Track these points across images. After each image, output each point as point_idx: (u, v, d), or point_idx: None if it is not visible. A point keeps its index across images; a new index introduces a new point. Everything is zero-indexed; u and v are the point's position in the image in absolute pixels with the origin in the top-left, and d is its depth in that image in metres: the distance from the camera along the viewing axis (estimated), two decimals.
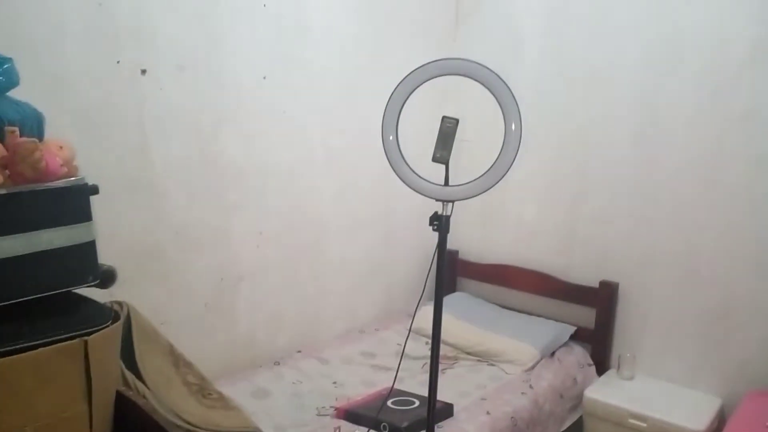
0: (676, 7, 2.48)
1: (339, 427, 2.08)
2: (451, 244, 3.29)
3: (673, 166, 2.56)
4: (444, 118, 1.50)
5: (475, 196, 1.49)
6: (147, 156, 2.00)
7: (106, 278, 1.31)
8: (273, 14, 2.30)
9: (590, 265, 2.85)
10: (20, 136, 1.15)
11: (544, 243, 3.02)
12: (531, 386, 2.47)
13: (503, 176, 1.46)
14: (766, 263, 2.38)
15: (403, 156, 1.53)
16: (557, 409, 2.53)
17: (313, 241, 2.67)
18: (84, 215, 1.20)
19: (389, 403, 2.15)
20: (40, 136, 1.24)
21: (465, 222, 3.17)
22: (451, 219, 1.59)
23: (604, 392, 2.57)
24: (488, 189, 1.47)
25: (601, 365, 2.80)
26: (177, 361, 1.82)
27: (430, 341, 1.88)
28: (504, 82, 1.43)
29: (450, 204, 1.54)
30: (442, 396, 2.12)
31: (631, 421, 2.43)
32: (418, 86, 1.46)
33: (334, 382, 2.43)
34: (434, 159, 1.53)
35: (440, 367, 2.62)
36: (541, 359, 2.67)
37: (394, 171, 1.57)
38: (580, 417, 2.64)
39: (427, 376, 1.77)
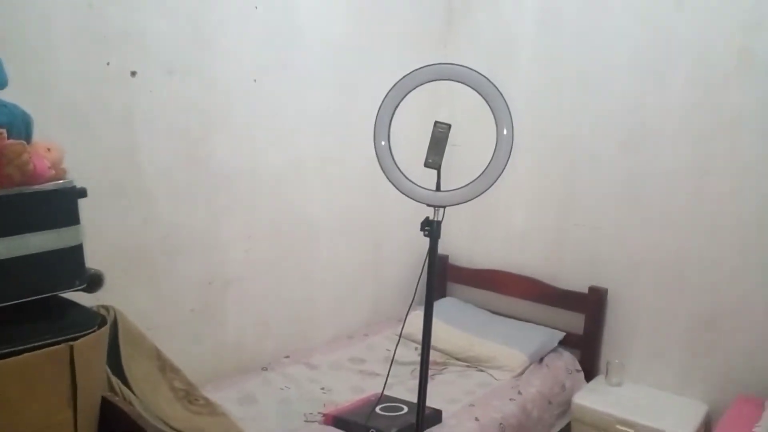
0: (665, 15, 2.50)
1: None
2: (441, 250, 3.27)
3: (662, 172, 2.58)
4: (436, 123, 1.50)
5: (466, 201, 1.49)
6: (135, 159, 1.99)
7: (93, 282, 1.30)
8: (264, 17, 2.30)
9: (579, 271, 2.87)
10: (8, 138, 1.14)
11: (534, 248, 3.03)
12: (520, 392, 2.47)
13: (495, 181, 1.47)
14: (753, 270, 2.40)
15: (395, 161, 1.53)
16: (545, 415, 2.53)
17: (303, 246, 2.67)
18: (72, 218, 1.19)
19: (378, 409, 2.14)
20: (28, 138, 1.23)
21: (455, 227, 3.18)
22: (442, 224, 1.60)
23: (593, 398, 2.58)
24: (480, 194, 1.48)
25: (590, 371, 2.81)
26: (164, 366, 1.81)
27: (419, 347, 1.88)
28: (495, 87, 1.44)
29: (441, 209, 1.54)
30: (430, 402, 2.11)
31: (619, 427, 2.44)
32: (410, 91, 1.46)
33: (323, 388, 2.42)
34: (426, 164, 1.53)
35: (429, 372, 2.63)
36: (530, 365, 2.68)
37: (386, 176, 1.57)
38: (569, 423, 2.64)
39: (416, 382, 1.77)
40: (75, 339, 1.14)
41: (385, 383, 1.96)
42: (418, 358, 1.81)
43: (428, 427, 2.10)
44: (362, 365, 2.67)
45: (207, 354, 2.36)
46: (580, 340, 2.85)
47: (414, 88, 1.46)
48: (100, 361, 1.33)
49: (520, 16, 2.93)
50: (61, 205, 1.17)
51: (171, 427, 1.61)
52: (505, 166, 1.46)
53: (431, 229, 1.54)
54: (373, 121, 1.56)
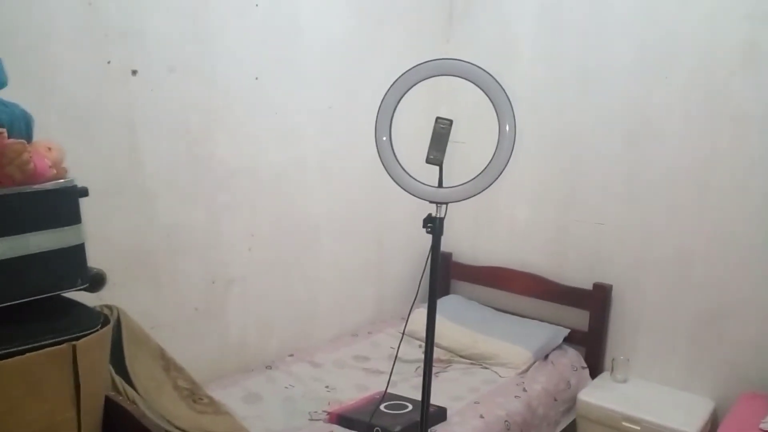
0: (668, 11, 2.49)
1: None
2: (444, 247, 3.29)
3: (666, 169, 2.57)
4: (438, 119, 1.49)
5: (469, 197, 1.48)
6: (137, 157, 1.98)
7: (96, 282, 1.30)
8: (265, 14, 2.30)
9: (584, 268, 2.86)
10: (8, 138, 1.13)
11: (538, 245, 3.03)
12: (524, 389, 2.47)
13: (497, 178, 1.46)
14: (758, 265, 2.39)
15: (397, 157, 1.52)
16: (551, 412, 2.53)
17: (305, 244, 2.67)
18: (73, 218, 1.18)
19: (382, 407, 2.14)
20: (28, 137, 1.23)
21: (458, 224, 3.18)
22: (445, 221, 1.59)
23: (598, 395, 2.57)
24: (482, 191, 1.47)
25: (595, 368, 2.81)
26: (167, 365, 1.81)
27: (423, 344, 1.87)
28: (498, 83, 1.43)
29: (444, 206, 1.53)
30: (435, 400, 2.11)
31: (625, 423, 2.44)
32: (411, 87, 1.45)
33: (327, 386, 2.42)
34: (428, 160, 1.52)
35: (433, 370, 2.63)
36: (535, 362, 2.67)
37: (388, 172, 1.57)
38: (574, 420, 2.64)
39: (420, 380, 1.76)
40: (78, 339, 1.14)
41: (389, 381, 1.95)
42: (422, 356, 1.80)
43: (433, 425, 2.10)
44: (366, 363, 2.67)
45: (211, 353, 2.36)
46: (585, 336, 2.85)
47: (416, 84, 1.45)
48: (103, 360, 1.32)
49: (522, 13, 2.92)
50: (63, 205, 1.17)
51: (175, 426, 1.61)
52: (508, 162, 1.45)
53: (434, 226, 1.53)
54: (375, 118, 1.56)
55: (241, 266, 2.40)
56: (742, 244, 2.42)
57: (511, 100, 1.46)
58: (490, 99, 1.44)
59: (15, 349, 1.00)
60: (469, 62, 1.44)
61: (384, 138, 1.48)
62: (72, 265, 1.20)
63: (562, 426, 2.62)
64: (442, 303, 3.12)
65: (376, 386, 2.37)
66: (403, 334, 2.14)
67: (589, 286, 2.81)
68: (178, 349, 1.82)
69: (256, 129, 2.36)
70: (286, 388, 2.37)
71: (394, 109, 1.47)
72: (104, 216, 1.90)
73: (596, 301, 2.79)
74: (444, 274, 3.32)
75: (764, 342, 2.41)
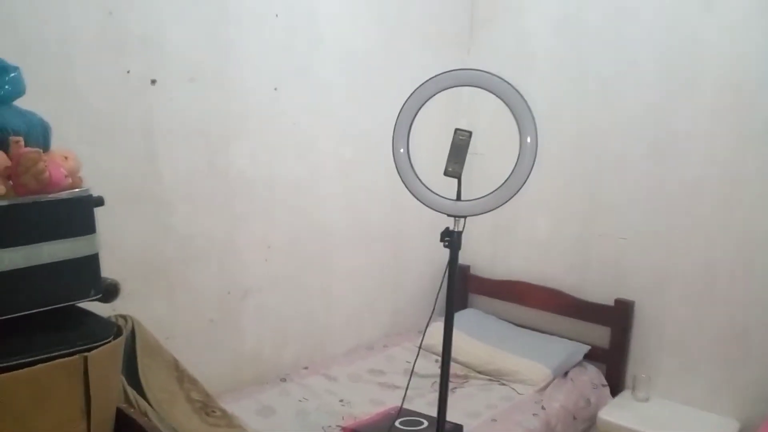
0: (693, 19, 2.44)
1: None
2: (462, 259, 3.28)
3: (691, 181, 2.52)
4: (457, 130, 1.47)
5: (488, 211, 1.45)
6: (154, 167, 1.98)
7: (109, 292, 1.29)
8: (284, 25, 2.29)
9: (605, 283, 2.80)
10: (26, 146, 1.13)
11: (558, 259, 2.98)
12: (543, 407, 2.41)
13: (518, 191, 1.42)
14: None
15: (414, 169, 1.50)
16: (570, 431, 2.47)
17: (322, 255, 2.65)
18: (87, 227, 1.18)
19: (397, 423, 2.10)
20: (46, 146, 1.23)
21: (476, 237, 3.14)
22: (463, 234, 1.56)
23: (619, 414, 2.51)
24: (502, 204, 1.44)
25: (616, 386, 2.74)
26: (181, 377, 1.79)
27: (439, 359, 1.84)
28: (519, 94, 1.40)
29: (462, 219, 1.50)
30: (451, 416, 2.07)
31: None
32: (430, 97, 1.43)
33: (341, 400, 2.39)
34: (446, 173, 1.49)
35: (450, 385, 2.59)
36: (554, 379, 2.62)
37: (405, 185, 1.54)
38: None
39: (436, 395, 1.73)
40: (89, 350, 1.13)
41: (404, 396, 1.92)
42: (438, 371, 1.77)
43: None
44: (381, 377, 2.63)
45: (225, 364, 2.34)
46: (606, 353, 2.79)
47: (435, 94, 1.43)
48: (115, 372, 1.31)
49: (544, 23, 2.90)
50: (77, 214, 1.16)
51: None
52: (529, 175, 1.42)
53: (451, 240, 1.50)
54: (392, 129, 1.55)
55: (257, 277, 2.39)
56: None
57: (531, 112, 1.44)
58: (511, 110, 1.41)
59: (25, 360, 0.99)
60: (489, 72, 1.41)
61: (401, 150, 1.46)
62: (85, 276, 1.19)
63: None
64: (459, 317, 3.05)
65: (391, 401, 2.33)
66: (420, 348, 2.10)
67: (610, 302, 2.75)
68: (192, 360, 1.80)
69: (274, 139, 2.35)
70: (300, 401, 2.34)
71: (412, 121, 1.45)
72: (121, 225, 1.90)
73: (618, 317, 2.73)
74: (461, 288, 3.28)
75: None
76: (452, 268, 1.53)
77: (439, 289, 1.63)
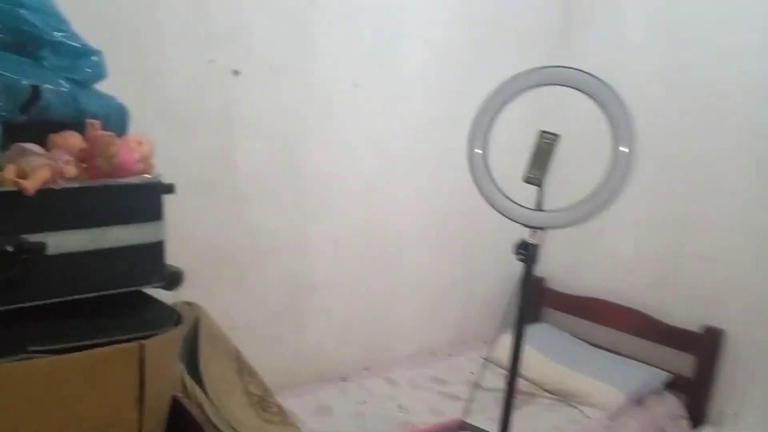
0: None
1: None
2: (538, 271, 3.14)
3: None
4: (542, 132, 1.35)
5: (572, 225, 1.34)
6: (230, 158, 2.00)
7: (173, 280, 1.28)
8: (368, 19, 2.26)
9: (693, 307, 2.61)
10: (102, 130, 1.14)
11: (643, 277, 2.79)
12: None
13: (608, 204, 1.30)
14: None
15: (491, 172, 1.40)
16: None
17: (390, 255, 2.60)
18: (155, 214, 1.17)
19: None
20: (123, 130, 1.23)
21: (554, 246, 2.98)
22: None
23: None
24: (589, 218, 1.32)
25: (697, 420, 2.54)
26: (241, 369, 1.79)
27: (505, 373, 1.74)
28: (618, 97, 1.27)
29: (540, 231, 1.39)
30: None
31: None
32: (515, 95, 1.33)
33: (400, 406, 2.33)
34: (527, 179, 1.38)
35: (515, 402, 2.47)
36: (628, 405, 2.45)
37: (478, 189, 1.45)
38: None
39: (499, 411, 1.63)
40: (148, 337, 1.11)
41: (467, 409, 1.83)
42: (504, 385, 1.67)
43: None
44: (443, 386, 2.55)
45: (286, 359, 2.34)
46: (689, 383, 2.58)
47: (521, 92, 1.32)
48: (172, 360, 1.31)
49: (644, 25, 2.73)
50: (146, 200, 1.15)
51: None
52: (622, 187, 1.28)
53: (527, 253, 1.39)
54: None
55: (324, 272, 2.37)
56: None
57: (631, 117, 1.30)
58: (606, 114, 1.28)
59: (81, 344, 0.99)
60: (584, 71, 1.29)
61: (478, 150, 1.36)
62: (149, 262, 1.18)
63: None
64: (530, 332, 2.92)
65: (451, 412, 2.26)
66: (487, 360, 2.00)
67: (697, 328, 2.56)
68: (254, 352, 1.79)
69: (351, 136, 2.32)
70: (359, 403, 2.31)
71: (493, 120, 1.35)
72: (194, 214, 1.92)
73: (705, 345, 2.53)
74: (534, 301, 3.14)
75: None
76: (526, 285, 1.42)
77: (509, 300, 1.53)
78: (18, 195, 0.96)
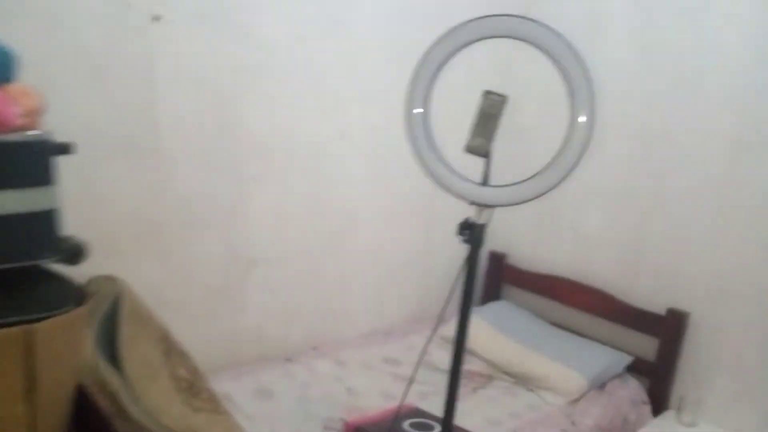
0: None
1: None
2: (499, 246, 3.10)
3: None
4: (486, 93, 1.20)
5: (522, 203, 1.23)
6: (154, 116, 1.85)
7: (73, 254, 1.15)
8: None
9: (658, 289, 2.59)
10: None
11: (607, 257, 2.77)
12: (573, 422, 2.24)
13: (562, 180, 1.20)
14: None
15: (432, 137, 1.28)
16: None
17: (342, 228, 2.50)
18: (43, 178, 1.04)
19: (406, 424, 1.96)
20: (5, 79, 1.09)
21: (516, 222, 2.94)
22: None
23: None
24: (540, 195, 1.21)
25: (659, 405, 2.55)
26: (169, 350, 1.68)
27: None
28: (578, 57, 1.16)
29: (488, 210, 1.28)
30: (466, 421, 1.93)
31: None
32: (461, 47, 1.20)
33: (349, 389, 2.27)
34: (469, 148, 1.23)
35: (471, 385, 2.43)
36: (589, 391, 2.44)
37: (416, 156, 1.33)
38: None
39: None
40: (37, 320, 1.00)
41: (405, 394, 1.76)
42: (464, 367, 1.59)
43: None
44: (397, 368, 2.49)
45: (224, 338, 2.24)
46: (651, 367, 2.58)
47: (467, 44, 1.19)
48: (74, 345, 1.19)
49: None
50: (31, 162, 1.03)
51: (161, 425, 1.48)
52: (577, 163, 1.19)
53: (471, 234, 1.28)
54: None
55: (266, 247, 2.26)
56: None
57: (592, 82, 1.21)
58: (565, 78, 1.18)
59: None
60: (543, 24, 1.17)
61: (418, 110, 1.23)
62: (39, 234, 1.06)
63: None
64: (489, 308, 2.92)
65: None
66: (433, 335, 1.92)
67: (662, 311, 2.54)
68: (186, 332, 1.67)
69: (295, 95, 2.19)
70: (303, 386, 2.23)
71: (435, 75, 1.22)
72: (113, 178, 1.78)
73: (669, 328, 2.52)
74: (495, 278, 3.11)
75: None
76: (470, 269, 1.31)
77: (451, 291, 1.42)
78: None
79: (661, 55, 2.52)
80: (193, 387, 1.69)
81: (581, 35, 2.65)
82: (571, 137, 1.17)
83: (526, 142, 2.55)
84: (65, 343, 1.13)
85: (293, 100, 2.19)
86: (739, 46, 2.31)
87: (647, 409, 2.52)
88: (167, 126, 1.88)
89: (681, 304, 2.51)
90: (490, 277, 3.13)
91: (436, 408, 2.13)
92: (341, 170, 2.42)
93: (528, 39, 1.14)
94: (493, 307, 2.97)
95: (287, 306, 2.41)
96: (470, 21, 1.20)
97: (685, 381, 2.53)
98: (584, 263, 2.84)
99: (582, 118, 1.22)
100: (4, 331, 0.96)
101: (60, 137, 1.05)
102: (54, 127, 1.05)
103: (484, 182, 1.29)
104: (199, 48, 1.89)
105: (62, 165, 1.06)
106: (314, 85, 2.23)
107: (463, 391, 1.74)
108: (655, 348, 2.57)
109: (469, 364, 2.44)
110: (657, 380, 2.56)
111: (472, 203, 1.29)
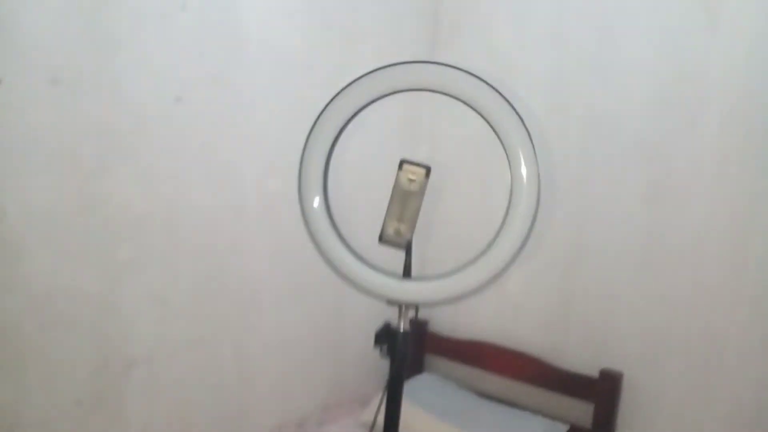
0: (695, 39, 2.20)
1: None
2: (420, 314, 2.90)
3: (693, 233, 2.23)
4: (403, 164, 0.97)
5: (458, 299, 0.98)
6: None
7: None
8: (194, 20, 1.90)
9: (588, 349, 2.49)
10: None
11: (533, 318, 2.65)
12: None
13: (515, 257, 0.96)
14: None
15: (336, 227, 1.04)
16: None
17: (240, 312, 2.22)
18: None
19: None
20: None
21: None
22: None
23: None
24: (488, 282, 0.97)
25: None
26: None
27: None
28: (505, 99, 0.97)
29: (411, 310, 1.00)
30: None
31: None
32: (362, 109, 0.98)
33: None
34: (384, 238, 0.99)
35: None
36: None
37: (320, 251, 1.07)
38: None
39: None
40: None
41: None
42: None
43: None
44: None
45: None
46: None
47: (369, 104, 0.98)
48: None
49: (520, 44, 2.62)
50: None
51: None
52: (532, 225, 0.96)
53: (393, 345, 0.98)
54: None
55: (148, 343, 1.94)
56: None
57: (529, 133, 1.02)
58: (497, 134, 0.99)
59: None
60: (457, 67, 0.97)
61: (314, 201, 0.97)
62: None
63: None
64: (413, 384, 2.70)
65: None
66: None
67: (594, 373, 2.43)
68: None
69: (177, 164, 1.92)
70: None
71: (329, 155, 0.99)
72: None
73: (603, 391, 2.40)
74: (418, 348, 2.91)
75: None
76: (393, 390, 1.02)
77: (377, 412, 1.14)
78: None
79: (569, 108, 2.49)
80: None
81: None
82: (518, 196, 0.96)
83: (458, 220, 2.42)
84: None
85: (175, 171, 1.92)
86: (647, 95, 2.31)
87: None
88: (13, 210, 1.56)
89: (614, 364, 2.41)
90: (412, 347, 2.93)
91: None
92: (237, 246, 2.16)
93: (445, 89, 0.94)
94: (417, 381, 2.76)
95: (178, 411, 2.07)
96: (366, 74, 1.00)
97: None
98: (509, 326, 2.71)
99: (524, 171, 1.03)
100: None
101: None
102: None
103: (406, 274, 1.04)
104: (53, 114, 1.60)
105: None
106: (200, 152, 1.98)
107: None
108: (591, 413, 2.43)
109: None
110: None
111: (391, 303, 1.03)
